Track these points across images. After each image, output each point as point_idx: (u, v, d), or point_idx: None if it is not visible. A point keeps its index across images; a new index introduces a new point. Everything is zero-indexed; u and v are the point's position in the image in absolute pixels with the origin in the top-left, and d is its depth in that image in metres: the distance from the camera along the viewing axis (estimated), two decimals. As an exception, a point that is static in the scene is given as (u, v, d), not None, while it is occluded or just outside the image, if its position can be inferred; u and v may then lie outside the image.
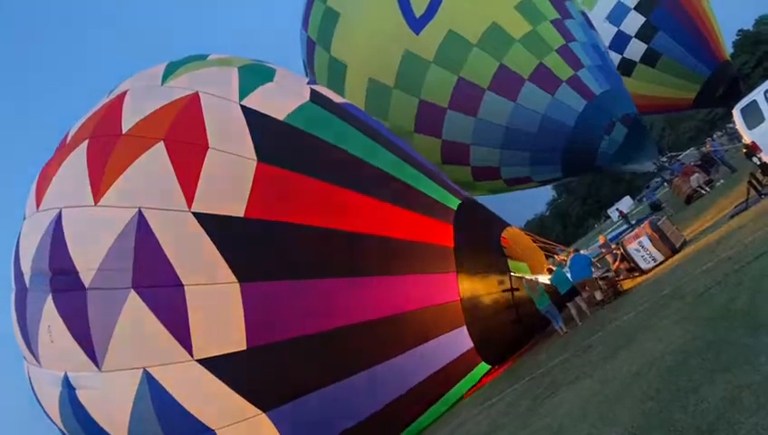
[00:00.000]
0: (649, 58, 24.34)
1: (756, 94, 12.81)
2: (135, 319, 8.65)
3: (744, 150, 13.23)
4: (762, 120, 12.16)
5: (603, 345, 7.58)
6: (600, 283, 11.51)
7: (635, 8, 24.17)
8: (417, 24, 17.31)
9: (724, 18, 25.93)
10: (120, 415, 8.94)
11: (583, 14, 19.38)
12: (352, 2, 18.26)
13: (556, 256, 12.51)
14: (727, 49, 26.02)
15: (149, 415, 8.82)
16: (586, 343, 8.32)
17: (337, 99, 11.76)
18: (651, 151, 19.08)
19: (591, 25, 19.41)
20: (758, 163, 12.66)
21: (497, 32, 17.09)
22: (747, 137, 12.59)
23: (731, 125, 18.65)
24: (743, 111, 12.81)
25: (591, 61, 17.92)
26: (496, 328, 10.11)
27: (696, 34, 24.22)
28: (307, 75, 20.16)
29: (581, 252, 12.66)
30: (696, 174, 19.65)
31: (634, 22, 24.22)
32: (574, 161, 18.42)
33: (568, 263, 11.41)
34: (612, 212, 49.48)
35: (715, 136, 29.92)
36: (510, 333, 10.37)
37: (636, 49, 24.08)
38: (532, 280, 10.77)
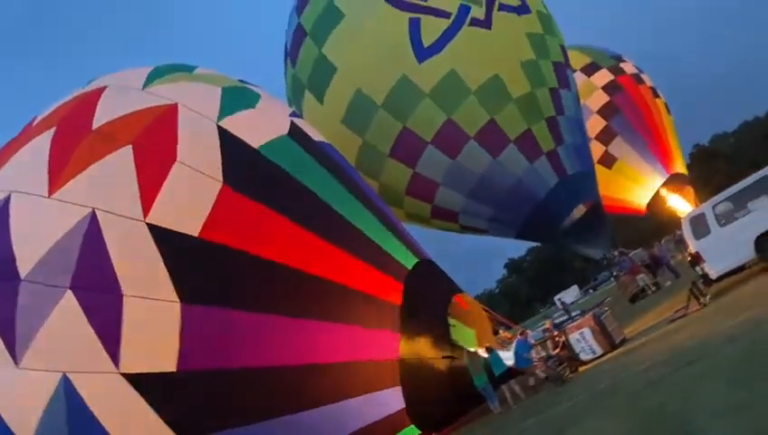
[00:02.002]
0: (606, 161, 25.47)
1: (705, 207, 13.47)
2: (66, 320, 8.25)
3: (689, 259, 13.77)
4: (707, 232, 12.75)
5: (535, 434, 7.54)
6: (538, 369, 11.57)
7: (597, 112, 25.47)
8: (422, 53, 17.15)
9: (682, 131, 27.47)
10: (28, 416, 8.35)
11: None
12: (363, 8, 17.76)
13: (501, 333, 12.56)
14: (683, 161, 27.41)
15: (59, 424, 8.28)
16: (519, 429, 8.26)
17: (316, 136, 11.70)
18: (605, 241, 19.63)
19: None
20: (700, 273, 13.17)
21: (497, 85, 17.25)
22: (693, 246, 13.16)
23: (680, 232, 19.43)
24: (691, 221, 13.43)
25: (573, 139, 18.48)
26: (431, 394, 9.92)
27: (652, 144, 25.61)
28: (286, 59, 19.65)
29: (529, 334, 12.74)
30: (643, 274, 20.29)
31: (595, 125, 25.42)
32: (532, 230, 18.82)
33: (513, 345, 11.44)
34: (558, 300, 50.35)
35: (663, 240, 31.12)
36: (444, 402, 10.20)
37: (594, 150, 25.27)
38: (474, 353, 10.74)
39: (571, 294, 51.84)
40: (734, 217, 12.73)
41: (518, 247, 77.09)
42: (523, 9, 18.34)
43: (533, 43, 18.11)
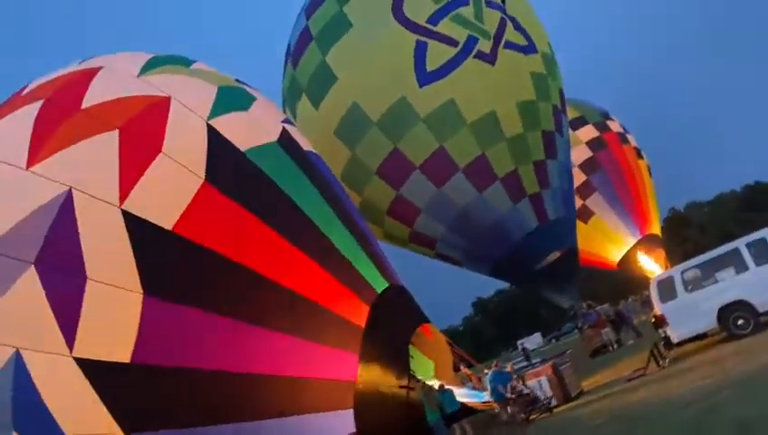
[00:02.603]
0: (583, 214, 25.87)
1: (674, 272, 13.71)
2: (24, 296, 8.02)
3: (653, 320, 13.96)
4: (674, 296, 12.95)
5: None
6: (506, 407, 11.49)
7: (579, 166, 25.85)
8: (423, 78, 17.03)
9: (660, 191, 28.01)
10: None
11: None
12: (372, 22, 17.59)
13: (462, 369, 12.48)
14: (659, 223, 27.86)
15: (4, 399, 8.01)
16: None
17: (305, 145, 11.61)
18: (576, 291, 19.74)
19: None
20: (663, 335, 13.34)
21: (491, 122, 17.24)
22: (658, 308, 13.35)
23: (647, 292, 19.73)
24: (659, 283, 13.64)
25: (559, 183, 18.58)
26: (383, 421, 9.71)
27: (629, 203, 26.07)
28: (287, 58, 19.52)
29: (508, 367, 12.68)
30: (608, 329, 20.48)
31: (576, 178, 26.02)
32: (505, 270, 18.84)
33: (488, 376, 11.29)
34: (521, 345, 50.50)
35: (630, 298, 31.49)
36: (395, 432, 9.99)
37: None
38: (430, 388, 10.62)
39: (533, 341, 52.04)
40: (701, 284, 12.97)
41: (487, 287, 77.34)
42: (529, 49, 18.43)
43: (536, 84, 18.20)
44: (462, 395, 11.00)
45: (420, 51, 16.99)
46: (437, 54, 17.01)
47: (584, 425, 8.53)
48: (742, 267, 12.14)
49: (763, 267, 11.90)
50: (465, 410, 10.85)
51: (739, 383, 7.40)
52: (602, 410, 9.36)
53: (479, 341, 73.65)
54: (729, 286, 12.26)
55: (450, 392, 10.70)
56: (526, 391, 12.33)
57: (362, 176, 17.74)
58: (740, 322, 11.99)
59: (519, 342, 52.18)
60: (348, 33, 17.45)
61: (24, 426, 8.10)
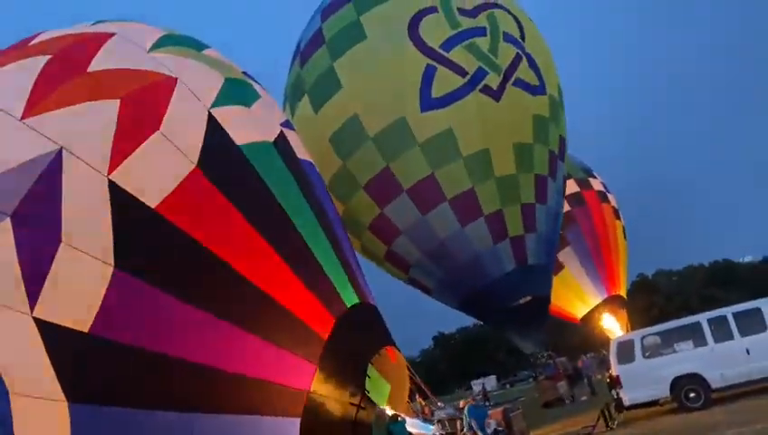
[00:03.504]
0: (554, 266, 26.20)
1: (635, 336, 13.93)
2: None
3: (608, 380, 14.12)
4: (632, 359, 13.13)
5: None
6: None
7: None
8: (426, 103, 17.01)
9: (630, 256, 28.32)
10: None
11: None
12: (386, 38, 17.52)
13: (417, 400, 12.41)
14: (626, 285, 28.24)
15: None
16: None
17: (300, 153, 11.60)
18: (539, 338, 19.76)
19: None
20: (615, 396, 13.48)
21: (484, 159, 17.26)
22: (615, 369, 13.51)
23: (605, 352, 19.91)
24: (619, 345, 13.84)
25: (545, 229, 18.58)
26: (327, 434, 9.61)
27: (599, 262, 26.43)
28: (295, 56, 19.41)
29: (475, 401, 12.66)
30: (563, 382, 20.61)
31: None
32: (473, 306, 18.81)
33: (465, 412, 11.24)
34: (476, 385, 50.48)
35: (588, 355, 31.73)
36: None
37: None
38: (382, 413, 10.54)
39: (488, 383, 52.01)
40: (660, 352, 13.19)
41: (451, 324, 77.44)
42: (539, 90, 18.48)
43: (536, 127, 18.21)
44: (413, 425, 10.94)
45: (428, 75, 16.99)
46: (445, 82, 17.06)
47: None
48: (701, 341, 12.40)
49: (721, 344, 12.16)
50: None
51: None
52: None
53: (434, 375, 73.39)
54: (686, 358, 12.49)
55: (402, 424, 10.62)
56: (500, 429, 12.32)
57: (349, 188, 17.76)
58: (692, 395, 12.20)
59: (474, 382, 52.12)
60: (361, 44, 17.48)
61: None
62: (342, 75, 17.45)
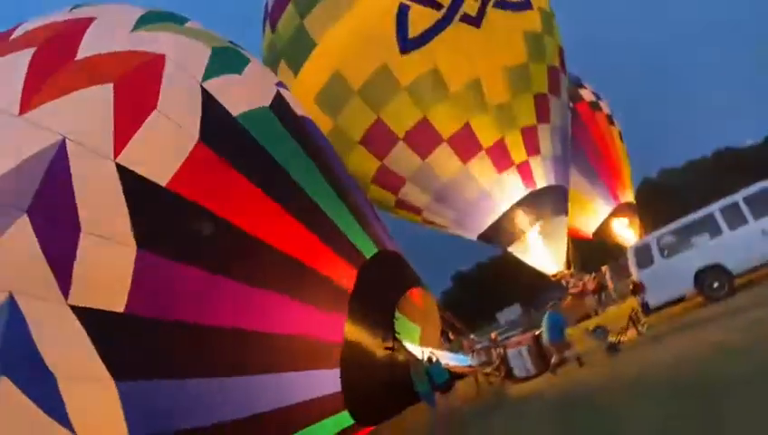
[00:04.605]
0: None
1: (651, 239, 13.96)
2: (18, 243, 7.97)
3: (631, 287, 14.25)
4: (651, 263, 13.21)
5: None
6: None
7: None
8: (405, 45, 16.42)
9: (632, 163, 28.18)
10: None
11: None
12: None
13: (454, 338, 12.60)
14: (633, 190, 28.18)
15: None
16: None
17: (299, 110, 11.65)
18: (562, 257, 19.65)
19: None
20: (641, 301, 13.64)
21: (475, 91, 16.69)
22: (636, 275, 13.61)
23: (623, 260, 20.03)
24: (636, 251, 13.89)
25: (553, 150, 18.17)
26: (370, 383, 9.93)
27: (603, 173, 26.27)
28: (265, 21, 18.83)
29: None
30: (590, 296, 20.80)
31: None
32: (492, 237, 18.78)
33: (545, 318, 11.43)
34: (500, 316, 51.21)
35: (606, 266, 31.89)
36: (383, 394, 10.20)
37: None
38: (418, 359, 10.72)
39: (512, 312, 52.70)
40: (677, 250, 13.23)
41: (466, 261, 77.87)
42: (525, 5, 17.67)
43: (529, 44, 17.49)
44: (449, 359, 11.15)
45: (402, 15, 16.35)
46: (420, 19, 16.42)
47: (568, 392, 8.72)
48: (716, 231, 12.44)
49: (736, 231, 12.20)
50: (453, 377, 11.01)
51: (718, 345, 7.62)
52: (585, 376, 9.59)
53: (458, 314, 74.27)
54: (704, 251, 12.56)
55: (438, 365, 10.83)
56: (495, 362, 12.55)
57: (345, 145, 17.46)
58: (715, 285, 12.31)
59: (499, 313, 52.85)
60: None
61: (14, 368, 8.04)
62: (314, 32, 16.93)
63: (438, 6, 16.52)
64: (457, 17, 16.54)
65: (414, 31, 16.44)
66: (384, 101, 16.77)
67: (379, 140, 17.19)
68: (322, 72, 16.95)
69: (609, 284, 24.04)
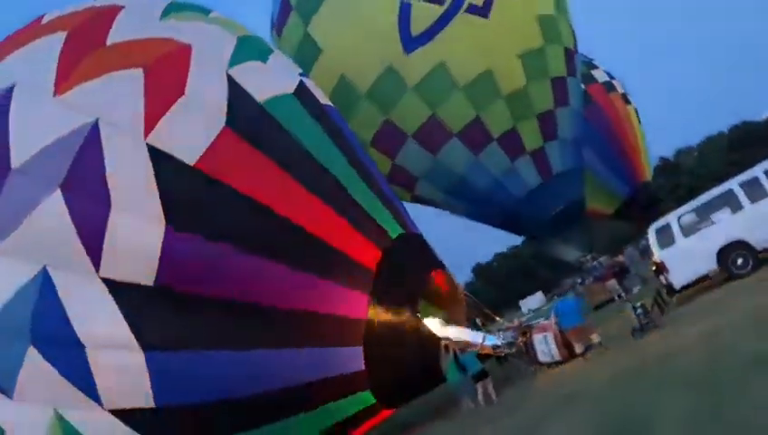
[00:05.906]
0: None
1: (671, 218, 13.77)
2: (51, 217, 8.41)
3: (654, 268, 14.08)
4: (672, 242, 13.03)
5: None
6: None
7: None
8: (409, 43, 16.25)
9: (648, 141, 27.88)
10: None
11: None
12: None
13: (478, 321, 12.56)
14: (650, 169, 27.89)
15: (23, 312, 8.46)
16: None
17: (322, 99, 11.94)
18: (582, 242, 19.40)
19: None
20: (664, 283, 13.46)
21: (487, 82, 16.44)
22: (657, 256, 13.43)
23: (644, 241, 19.83)
24: (657, 231, 13.71)
25: (570, 133, 17.88)
26: (393, 361, 10.03)
27: (621, 154, 25.93)
28: (272, 30, 18.95)
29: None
30: (612, 280, 20.54)
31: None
32: (509, 227, 18.72)
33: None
34: (523, 304, 51.06)
35: (628, 248, 31.67)
36: (406, 373, 10.29)
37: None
38: (449, 349, 10.68)
39: (536, 300, 52.48)
40: (699, 228, 13.04)
41: (486, 253, 77.74)
42: None
43: (544, 27, 17.07)
44: (478, 337, 11.14)
45: (404, 13, 16.13)
46: (423, 15, 16.13)
47: (595, 376, 8.66)
48: (737, 207, 12.21)
49: (757, 205, 11.98)
50: (481, 358, 11.01)
51: (747, 321, 7.52)
52: (612, 360, 9.52)
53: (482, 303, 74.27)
54: (726, 227, 12.35)
55: (471, 354, 10.81)
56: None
57: (359, 146, 17.53)
58: (739, 261, 12.12)
59: (522, 302, 52.68)
60: (327, 0, 16.73)
61: (43, 339, 8.49)
62: (318, 38, 16.82)
63: (441, 1, 16.27)
64: (462, 9, 16.25)
65: (417, 28, 16.09)
66: (392, 102, 16.67)
67: (389, 140, 17.08)
68: (329, 78, 16.46)
69: (636, 265, 23.74)
